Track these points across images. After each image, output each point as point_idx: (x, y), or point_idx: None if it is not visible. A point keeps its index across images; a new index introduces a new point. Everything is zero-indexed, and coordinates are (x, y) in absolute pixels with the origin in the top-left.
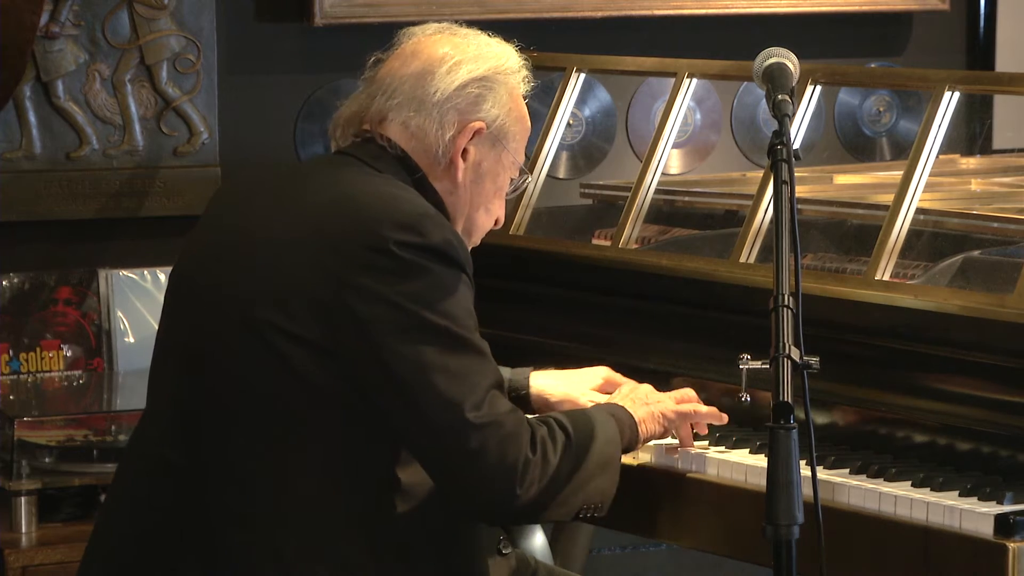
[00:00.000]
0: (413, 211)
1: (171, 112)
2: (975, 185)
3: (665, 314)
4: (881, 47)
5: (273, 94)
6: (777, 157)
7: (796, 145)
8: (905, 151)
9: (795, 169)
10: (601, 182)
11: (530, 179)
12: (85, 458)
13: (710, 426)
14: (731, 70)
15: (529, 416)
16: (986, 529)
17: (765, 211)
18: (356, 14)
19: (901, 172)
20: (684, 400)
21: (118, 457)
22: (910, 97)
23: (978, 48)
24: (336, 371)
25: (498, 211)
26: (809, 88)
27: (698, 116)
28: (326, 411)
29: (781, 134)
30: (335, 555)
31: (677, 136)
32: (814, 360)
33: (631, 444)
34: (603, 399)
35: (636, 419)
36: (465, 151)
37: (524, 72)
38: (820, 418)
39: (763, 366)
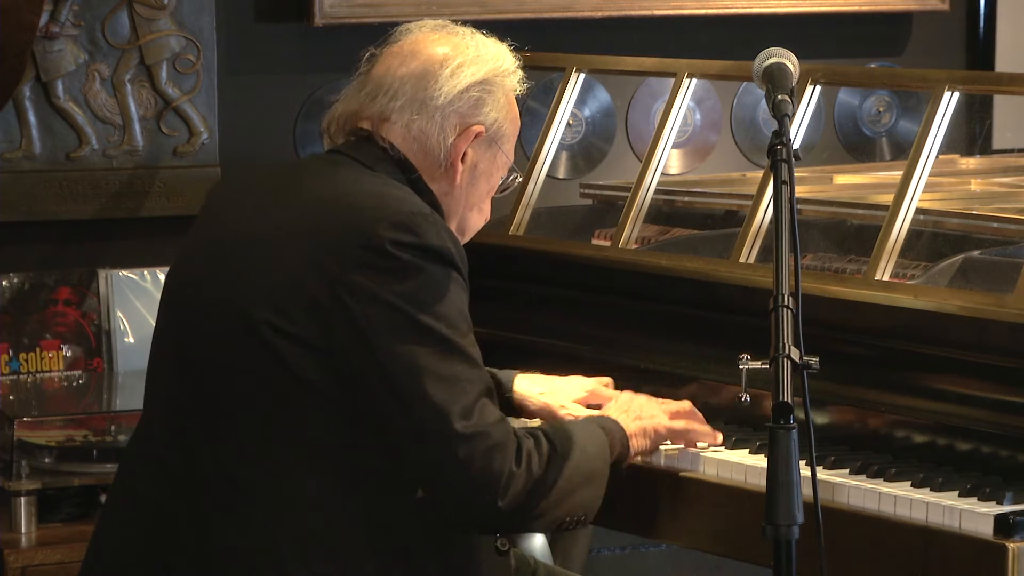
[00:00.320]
0: (409, 210)
1: (171, 112)
2: (975, 185)
3: (665, 314)
4: (881, 47)
5: (273, 94)
6: (777, 157)
7: (796, 145)
8: (905, 151)
9: (795, 169)
10: (601, 182)
11: (520, 178)
12: (85, 458)
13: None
14: (731, 70)
15: (517, 427)
16: (986, 529)
17: (765, 211)
18: (356, 14)
19: (901, 172)
20: (679, 414)
21: (118, 457)
22: (910, 97)
23: (978, 48)
24: (332, 370)
25: (488, 210)
26: (809, 88)
27: (698, 116)
28: (323, 411)
29: (781, 134)
30: (333, 555)
31: (677, 136)
32: (814, 360)
33: (621, 458)
34: (584, 412)
35: (627, 433)
36: (464, 154)
37: (520, 73)
38: (820, 418)
39: (763, 366)
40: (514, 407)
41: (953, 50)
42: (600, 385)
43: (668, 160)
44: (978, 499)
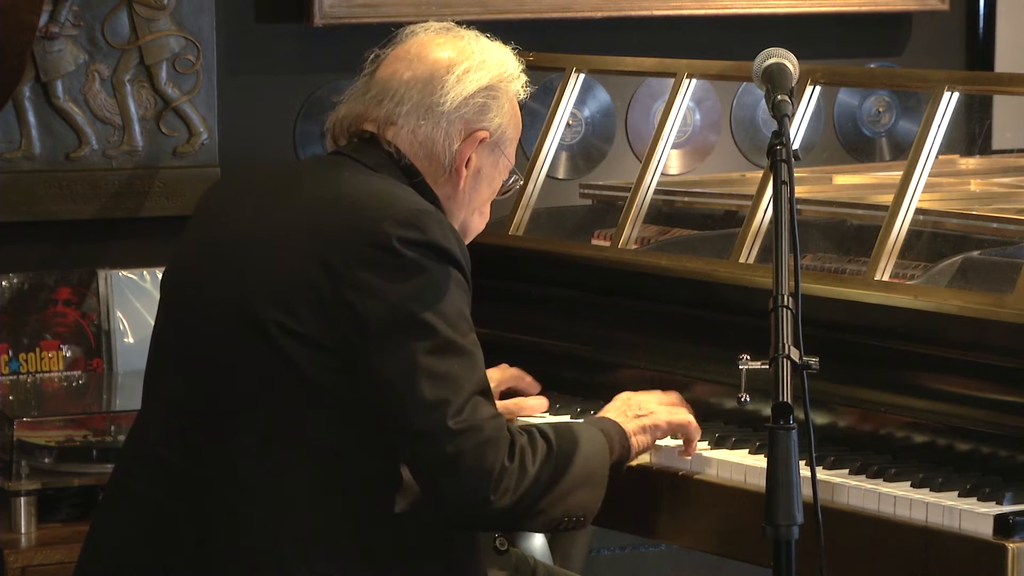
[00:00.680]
0: (413, 208)
1: (171, 112)
2: (974, 185)
3: (665, 314)
4: (881, 47)
5: (273, 94)
6: (776, 157)
7: (795, 145)
8: (904, 151)
9: (795, 169)
10: (600, 182)
11: (520, 181)
12: (84, 458)
13: (711, 427)
14: (730, 70)
15: (513, 425)
16: (985, 529)
17: (764, 211)
18: (355, 14)
19: (900, 172)
20: (673, 405)
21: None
22: (910, 97)
23: (978, 48)
24: (336, 369)
25: (488, 212)
26: (808, 88)
27: (697, 116)
28: (325, 410)
29: (780, 134)
30: (334, 554)
31: (676, 136)
32: (814, 360)
33: (623, 458)
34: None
35: (627, 432)
36: (468, 159)
37: (523, 78)
38: (820, 418)
39: (763, 366)
40: None
41: (953, 50)
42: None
43: (668, 160)
44: (978, 499)
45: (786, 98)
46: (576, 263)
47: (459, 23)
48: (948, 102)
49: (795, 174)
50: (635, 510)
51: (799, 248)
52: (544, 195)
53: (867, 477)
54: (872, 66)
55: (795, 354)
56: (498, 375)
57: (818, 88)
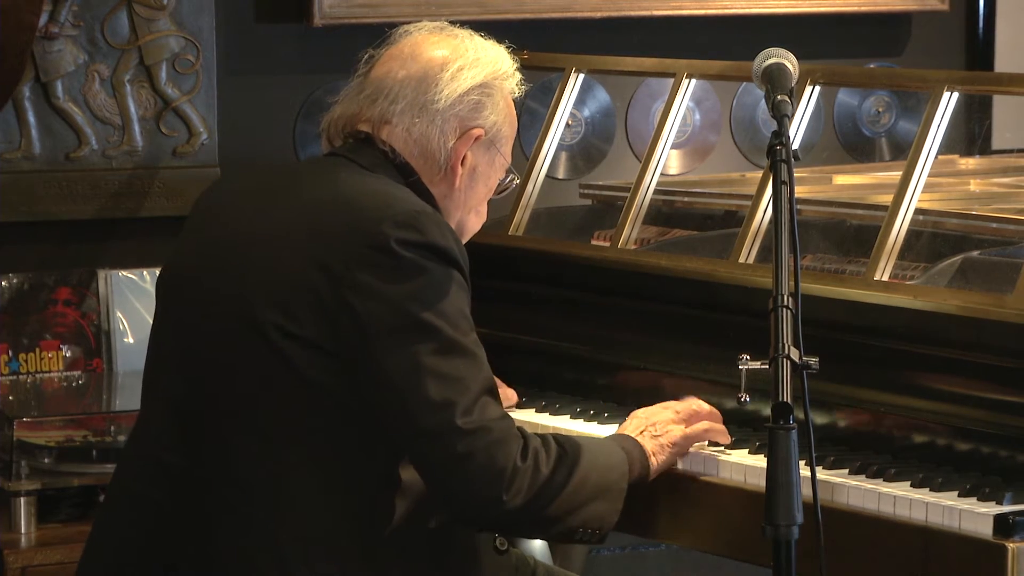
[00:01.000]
0: (413, 209)
1: (170, 112)
2: (974, 185)
3: (664, 314)
4: (880, 47)
5: (273, 94)
6: (776, 157)
7: (795, 145)
8: (904, 151)
9: (794, 169)
10: (600, 183)
11: (516, 180)
12: (84, 459)
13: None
14: (730, 70)
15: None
16: (985, 529)
17: (764, 211)
18: (355, 15)
19: (900, 172)
20: (692, 417)
21: (117, 458)
22: (909, 97)
23: (977, 48)
24: (336, 370)
25: (485, 212)
26: (808, 88)
27: (697, 117)
28: (325, 411)
29: (780, 134)
30: (334, 555)
31: (676, 136)
32: (813, 360)
33: (643, 476)
34: None
35: (647, 451)
36: (463, 157)
37: (518, 76)
38: (820, 418)
39: (763, 366)
40: None
41: (952, 50)
42: None
43: (667, 160)
44: (978, 499)
45: (786, 98)
46: (576, 263)
47: (459, 23)
48: (948, 102)
49: (795, 174)
50: (635, 510)
51: (799, 248)
52: (544, 195)
53: (867, 477)
54: (872, 66)
55: (795, 354)
56: None
57: (818, 88)
